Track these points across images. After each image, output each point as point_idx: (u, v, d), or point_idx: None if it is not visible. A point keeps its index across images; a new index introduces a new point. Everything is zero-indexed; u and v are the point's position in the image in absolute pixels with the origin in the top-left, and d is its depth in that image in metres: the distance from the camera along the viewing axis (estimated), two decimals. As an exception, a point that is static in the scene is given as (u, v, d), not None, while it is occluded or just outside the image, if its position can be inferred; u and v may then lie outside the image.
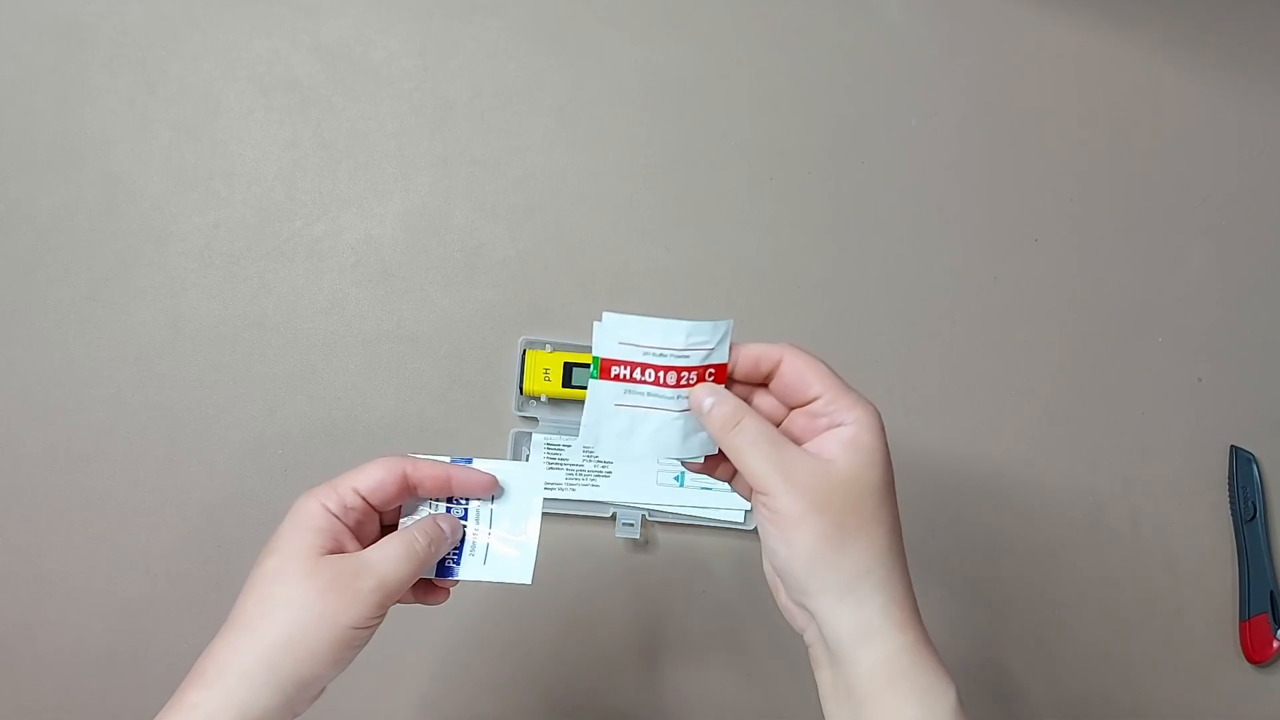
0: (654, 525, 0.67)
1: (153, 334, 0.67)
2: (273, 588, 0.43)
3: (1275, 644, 0.65)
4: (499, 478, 0.48)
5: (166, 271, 0.68)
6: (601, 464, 0.66)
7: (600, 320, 0.44)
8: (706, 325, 0.44)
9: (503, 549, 0.47)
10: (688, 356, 0.44)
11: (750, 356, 0.44)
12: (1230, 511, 0.67)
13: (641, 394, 0.44)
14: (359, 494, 0.45)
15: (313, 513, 0.44)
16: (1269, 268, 0.70)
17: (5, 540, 0.66)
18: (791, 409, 0.45)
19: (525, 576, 0.47)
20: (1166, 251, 0.70)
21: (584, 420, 0.44)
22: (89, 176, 0.68)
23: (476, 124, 0.70)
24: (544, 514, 0.49)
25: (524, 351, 0.66)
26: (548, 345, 0.66)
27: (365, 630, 0.43)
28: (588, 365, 0.60)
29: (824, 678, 0.44)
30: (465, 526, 0.48)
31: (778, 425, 0.44)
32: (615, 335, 0.44)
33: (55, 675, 0.65)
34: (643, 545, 0.67)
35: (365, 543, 0.45)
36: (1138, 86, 0.71)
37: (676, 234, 0.69)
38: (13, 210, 0.68)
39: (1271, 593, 0.66)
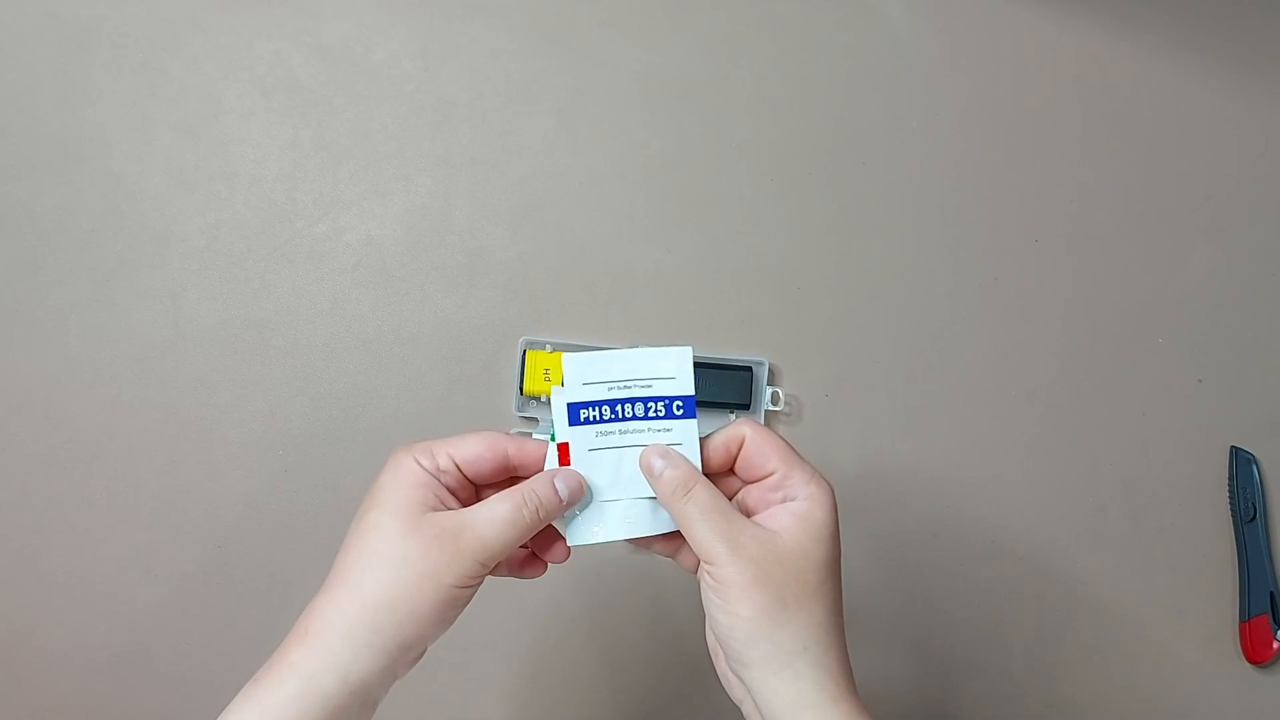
0: None
1: (154, 335, 0.68)
2: (374, 543, 0.42)
3: (1275, 644, 0.65)
4: (635, 369, 0.45)
5: (167, 272, 0.68)
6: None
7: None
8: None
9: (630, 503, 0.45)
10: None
11: (719, 446, 0.45)
12: (1230, 512, 0.68)
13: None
14: (455, 462, 0.43)
15: (412, 469, 0.43)
16: (1269, 268, 0.70)
17: (7, 541, 0.66)
18: (748, 483, 0.45)
19: (666, 524, 0.44)
20: (1166, 252, 0.70)
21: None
22: (90, 177, 0.68)
23: (477, 125, 0.70)
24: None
25: (524, 352, 0.66)
26: (548, 345, 0.67)
27: (468, 590, 0.41)
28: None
29: None
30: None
31: (731, 498, 0.45)
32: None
33: (56, 676, 0.65)
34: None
35: (455, 502, 0.43)
36: (1138, 87, 0.71)
37: (677, 234, 0.69)
38: (14, 211, 0.68)
39: (1271, 593, 0.66)
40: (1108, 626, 0.67)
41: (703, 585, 0.42)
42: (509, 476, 0.45)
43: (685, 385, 0.45)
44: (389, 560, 0.41)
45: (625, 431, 0.44)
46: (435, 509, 0.42)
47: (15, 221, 0.68)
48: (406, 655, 0.41)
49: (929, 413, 0.68)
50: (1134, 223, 0.70)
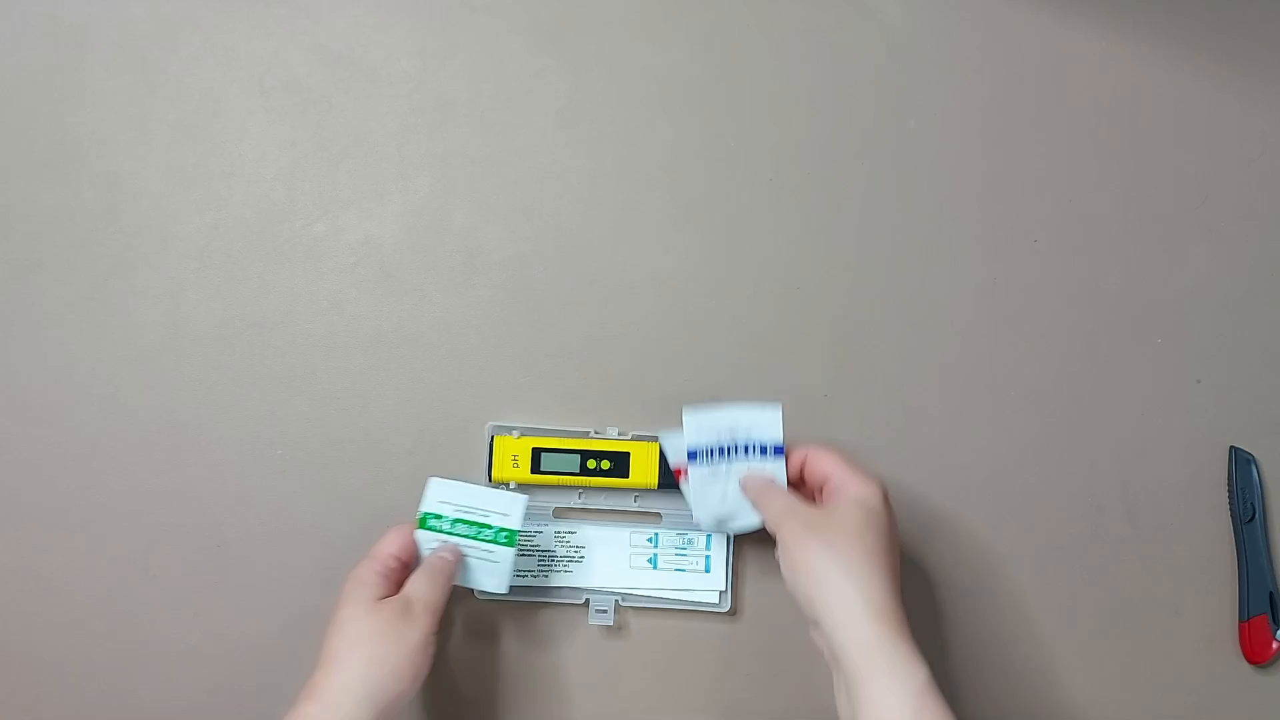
0: (627, 610, 0.66)
1: (152, 334, 0.68)
2: (352, 629, 0.55)
3: (1275, 644, 0.65)
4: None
5: (166, 272, 0.68)
6: (574, 549, 0.66)
7: (683, 419, 0.60)
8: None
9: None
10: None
11: (792, 469, 0.60)
12: (1230, 512, 0.67)
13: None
14: (394, 556, 0.59)
15: (363, 577, 0.57)
16: (1269, 268, 0.70)
17: (5, 540, 0.66)
18: (816, 489, 0.59)
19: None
20: (1166, 252, 0.70)
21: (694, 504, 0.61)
22: (88, 176, 0.68)
23: (476, 125, 0.70)
24: (518, 588, 0.64)
25: (492, 438, 0.66)
26: (515, 431, 0.66)
27: (428, 644, 0.56)
28: (556, 450, 0.65)
29: (836, 680, 0.53)
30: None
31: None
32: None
33: (54, 675, 0.65)
34: (616, 631, 0.66)
35: (394, 590, 0.58)
36: (1137, 87, 0.71)
37: (676, 235, 0.69)
38: (12, 210, 0.68)
39: (1271, 593, 0.66)
40: (1107, 627, 0.67)
41: (779, 555, 0.55)
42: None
43: (777, 435, 0.60)
44: (366, 636, 0.55)
45: (730, 467, 0.60)
46: (382, 599, 0.57)
47: (13, 220, 0.68)
48: (393, 707, 0.54)
49: (928, 413, 0.68)
50: (1133, 223, 0.70)
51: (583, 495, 0.67)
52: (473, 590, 0.63)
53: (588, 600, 0.66)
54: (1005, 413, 0.68)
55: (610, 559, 0.66)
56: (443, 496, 0.61)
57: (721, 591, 0.66)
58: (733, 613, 0.66)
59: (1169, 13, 0.71)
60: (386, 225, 0.69)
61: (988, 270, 0.69)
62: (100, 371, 0.67)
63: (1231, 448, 0.68)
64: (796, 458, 0.59)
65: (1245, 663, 0.66)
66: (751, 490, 0.59)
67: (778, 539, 0.55)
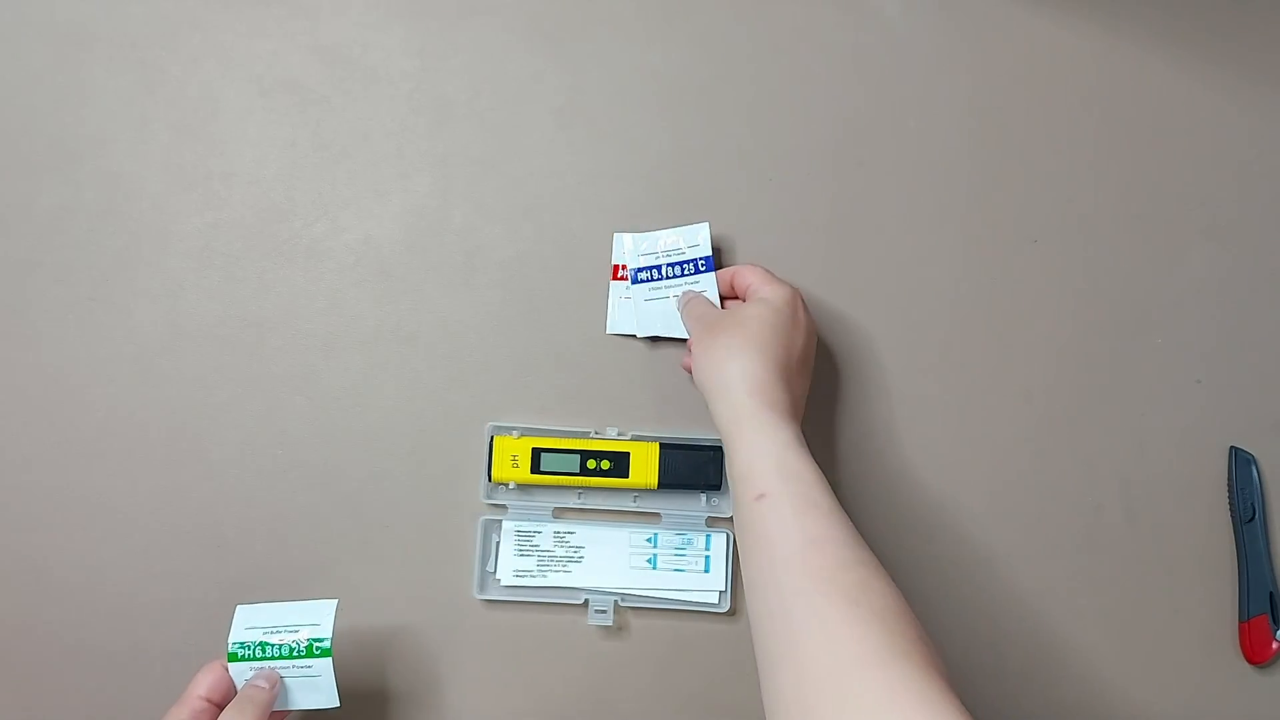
0: (627, 611, 0.66)
1: (152, 334, 0.68)
2: None
3: (1275, 644, 0.65)
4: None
5: (165, 271, 0.68)
6: (573, 549, 0.66)
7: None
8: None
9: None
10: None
11: (723, 284, 0.65)
12: (1230, 512, 0.67)
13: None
14: (202, 698, 0.56)
15: None
16: (1269, 268, 0.70)
17: (5, 540, 0.66)
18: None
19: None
20: (1166, 252, 0.69)
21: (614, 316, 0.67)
22: (88, 176, 0.68)
23: (475, 124, 0.70)
24: (518, 588, 0.65)
25: (492, 438, 0.66)
26: (515, 431, 0.66)
27: None
28: (555, 450, 0.65)
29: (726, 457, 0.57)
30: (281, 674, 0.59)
31: None
32: (635, 250, 0.67)
33: (54, 675, 0.65)
34: (616, 632, 0.66)
35: None
36: (1138, 87, 0.71)
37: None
38: (11, 210, 0.68)
39: (1271, 593, 0.66)
40: (1106, 627, 0.67)
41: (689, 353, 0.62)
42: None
43: (705, 250, 0.65)
44: None
45: (669, 284, 0.66)
46: None
47: (13, 220, 0.68)
48: None
49: (927, 413, 0.68)
50: (1134, 223, 0.70)
51: (582, 495, 0.67)
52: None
53: (587, 600, 0.66)
54: (1005, 412, 0.68)
55: (609, 559, 0.66)
56: (249, 623, 0.59)
57: (721, 591, 0.66)
58: (732, 613, 0.66)
59: (1169, 13, 0.71)
60: (386, 225, 0.69)
61: (988, 269, 0.69)
62: (100, 371, 0.67)
63: (1231, 448, 0.68)
64: (726, 275, 0.64)
65: (1245, 663, 0.66)
66: (681, 302, 0.65)
67: (690, 338, 0.62)
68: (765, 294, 0.60)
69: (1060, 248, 0.69)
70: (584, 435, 0.66)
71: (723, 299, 0.65)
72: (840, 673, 0.43)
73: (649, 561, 0.66)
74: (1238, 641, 0.67)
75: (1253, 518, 0.66)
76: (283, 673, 0.58)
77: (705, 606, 0.66)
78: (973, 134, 0.70)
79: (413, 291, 0.68)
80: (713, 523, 0.67)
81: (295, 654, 0.58)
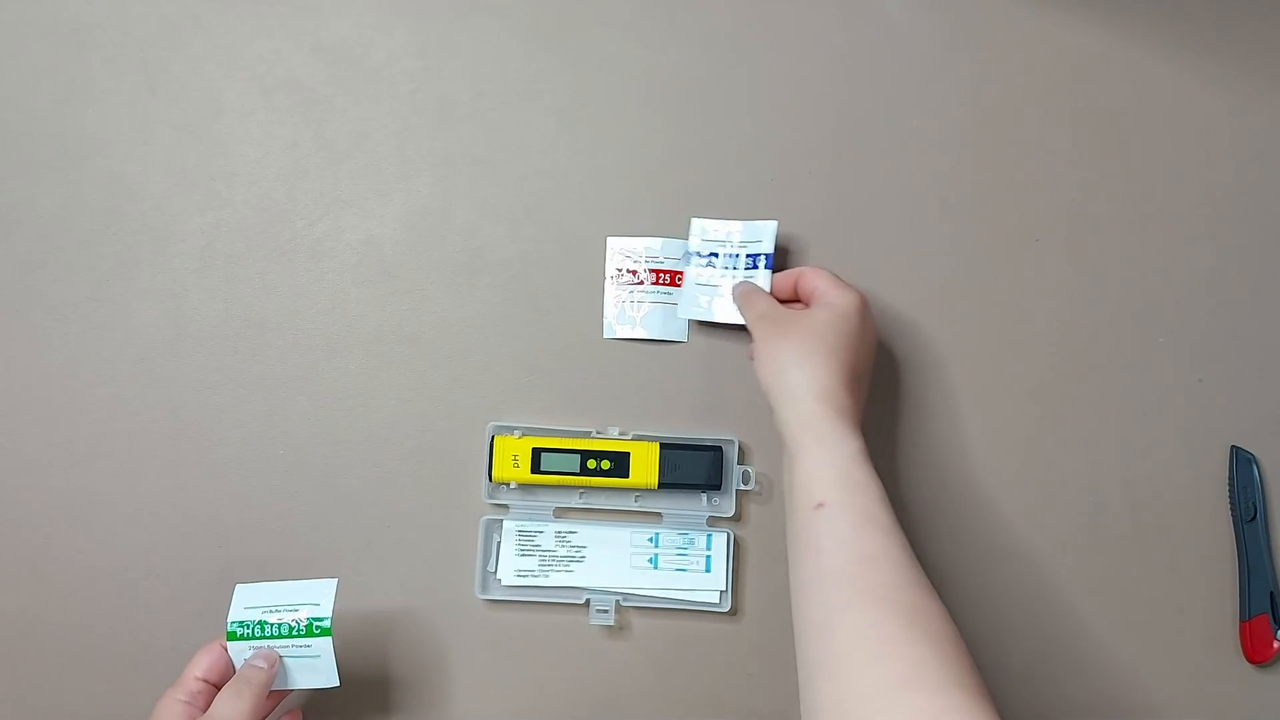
0: (628, 610, 0.66)
1: (154, 334, 0.68)
2: None
3: (1275, 644, 0.65)
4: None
5: (168, 272, 0.68)
6: (574, 549, 0.66)
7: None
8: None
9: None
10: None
11: (785, 285, 0.63)
12: (1230, 512, 0.67)
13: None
14: (199, 679, 0.56)
15: (169, 707, 0.55)
16: (1269, 268, 0.70)
17: (6, 540, 0.66)
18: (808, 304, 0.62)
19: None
20: (1166, 251, 0.70)
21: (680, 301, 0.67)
22: (90, 177, 0.68)
23: (478, 124, 0.70)
24: (518, 588, 0.65)
25: (492, 438, 0.66)
26: (516, 431, 0.66)
27: None
28: (556, 450, 0.65)
29: (785, 461, 0.55)
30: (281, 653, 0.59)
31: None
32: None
33: (55, 675, 0.66)
34: (617, 631, 0.66)
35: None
36: (1138, 86, 0.71)
37: (677, 235, 0.69)
38: (14, 210, 0.68)
39: (1272, 593, 0.66)
40: (1108, 626, 0.67)
41: (753, 351, 0.60)
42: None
43: (768, 247, 0.65)
44: None
45: (722, 274, 0.66)
46: None
47: (15, 221, 0.68)
48: None
49: (928, 411, 0.68)
50: (1134, 222, 0.70)
51: (583, 495, 0.67)
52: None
53: (588, 600, 0.66)
54: (1006, 411, 0.68)
55: (611, 559, 0.66)
56: (249, 602, 0.59)
57: (722, 591, 0.66)
58: (733, 613, 0.66)
59: (1171, 12, 0.71)
60: (388, 225, 0.69)
61: (989, 269, 0.69)
62: (102, 371, 0.67)
63: (1233, 447, 0.68)
64: (791, 276, 0.63)
65: (1246, 662, 0.66)
66: (737, 294, 0.64)
67: (754, 337, 0.60)
68: (833, 299, 0.59)
69: (1061, 246, 0.69)
70: (585, 435, 0.66)
71: (786, 301, 0.64)
72: (886, 693, 0.42)
73: (650, 561, 0.66)
74: (1239, 641, 0.67)
75: (1254, 517, 0.66)
76: (282, 652, 0.58)
77: (707, 606, 0.66)
78: (973, 133, 0.70)
79: (415, 291, 0.68)
80: (714, 522, 0.67)
81: (295, 633, 0.58)
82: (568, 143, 0.70)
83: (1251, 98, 0.71)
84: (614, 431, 0.67)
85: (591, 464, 0.65)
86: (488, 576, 0.66)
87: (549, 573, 0.66)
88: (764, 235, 0.65)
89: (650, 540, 0.66)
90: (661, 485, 0.65)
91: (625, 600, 0.66)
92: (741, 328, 0.64)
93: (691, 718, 0.66)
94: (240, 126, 0.69)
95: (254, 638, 0.58)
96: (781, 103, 0.70)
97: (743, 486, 0.66)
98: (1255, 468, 0.67)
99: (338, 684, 0.58)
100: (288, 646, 0.58)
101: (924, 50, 0.71)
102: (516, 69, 0.70)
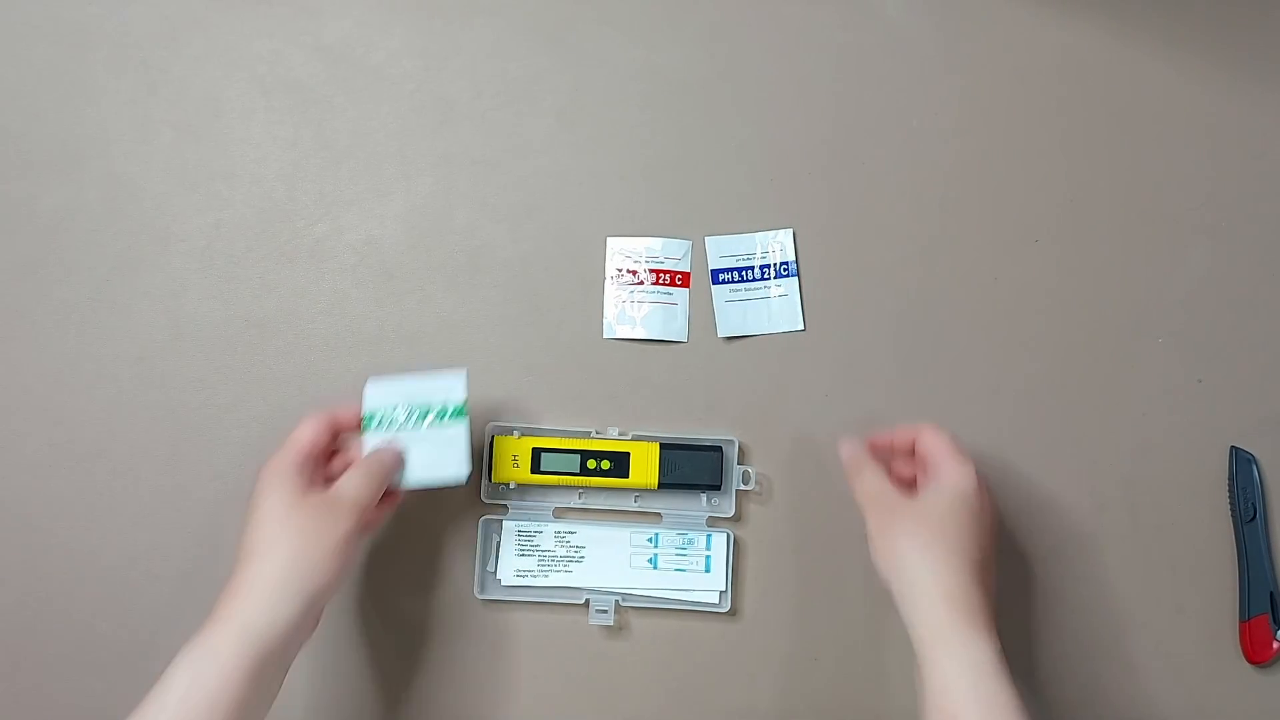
0: (628, 610, 0.66)
1: (154, 334, 0.68)
2: (272, 523, 0.54)
3: (1275, 644, 0.65)
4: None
5: (168, 272, 0.68)
6: (574, 549, 0.66)
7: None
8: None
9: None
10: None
11: (906, 439, 0.62)
12: (1230, 512, 0.67)
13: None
14: (310, 444, 0.57)
15: (280, 468, 0.56)
16: (1269, 268, 0.70)
17: (7, 540, 0.66)
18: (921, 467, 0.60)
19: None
20: (1166, 251, 0.70)
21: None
22: (91, 177, 0.69)
23: (478, 124, 0.70)
24: (518, 588, 0.65)
25: (492, 438, 0.66)
26: (515, 431, 0.66)
27: (352, 541, 0.55)
28: (556, 450, 0.65)
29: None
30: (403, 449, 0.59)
31: (912, 476, 0.62)
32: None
33: (56, 675, 0.66)
34: (617, 631, 0.66)
35: (319, 482, 0.57)
36: (1138, 86, 0.71)
37: (678, 234, 0.69)
38: (15, 210, 0.68)
39: (1271, 593, 0.66)
40: (1108, 626, 0.67)
41: (868, 535, 0.58)
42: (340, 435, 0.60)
43: (788, 255, 0.67)
44: (288, 531, 0.54)
45: (750, 287, 0.68)
46: (306, 492, 0.55)
47: (16, 221, 0.68)
48: (315, 604, 0.53)
49: (927, 412, 0.68)
50: (1134, 222, 0.70)
51: (583, 495, 0.67)
52: (468, 483, 0.61)
53: (588, 600, 0.66)
54: (1005, 411, 0.68)
55: (610, 559, 0.66)
56: (382, 393, 0.60)
57: (721, 591, 0.66)
58: (733, 613, 0.66)
59: (1170, 13, 0.71)
60: (388, 225, 0.69)
61: (989, 269, 0.69)
62: (103, 371, 0.67)
63: (1232, 447, 0.68)
64: (909, 432, 0.61)
65: (1245, 662, 0.66)
66: (846, 461, 0.62)
67: (866, 521, 0.58)
68: (951, 478, 0.57)
69: (1061, 247, 0.69)
70: (584, 435, 0.66)
71: (896, 452, 0.63)
72: None
73: (650, 561, 0.66)
74: (1238, 641, 0.67)
75: (1253, 517, 0.66)
76: (416, 441, 0.59)
77: (706, 606, 0.66)
78: (973, 133, 0.70)
79: (415, 291, 0.68)
80: (713, 523, 0.67)
81: (437, 416, 0.59)
82: (568, 143, 0.70)
83: (1251, 98, 0.71)
84: (614, 431, 0.67)
85: (591, 464, 0.65)
86: (487, 576, 0.66)
87: (548, 573, 0.66)
88: (783, 244, 0.67)
89: (650, 540, 0.66)
90: (661, 485, 0.65)
91: (625, 600, 0.66)
92: (760, 336, 0.65)
93: (691, 718, 0.66)
94: (240, 126, 0.69)
95: (389, 425, 0.59)
96: (781, 103, 0.70)
97: (742, 487, 0.66)
98: (1255, 468, 0.67)
99: (466, 476, 0.59)
100: (424, 437, 0.59)
101: (923, 50, 0.71)
102: (516, 69, 0.70)
